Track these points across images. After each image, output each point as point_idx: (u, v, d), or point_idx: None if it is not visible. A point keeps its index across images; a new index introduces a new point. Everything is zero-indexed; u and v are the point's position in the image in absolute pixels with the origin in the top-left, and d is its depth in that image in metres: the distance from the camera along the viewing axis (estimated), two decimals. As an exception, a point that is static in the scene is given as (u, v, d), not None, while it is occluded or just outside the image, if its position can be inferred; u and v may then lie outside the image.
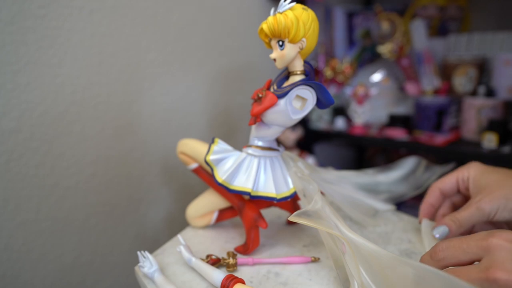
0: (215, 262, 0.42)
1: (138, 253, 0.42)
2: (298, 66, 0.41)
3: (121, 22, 0.62)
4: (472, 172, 0.42)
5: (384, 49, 0.95)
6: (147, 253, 0.42)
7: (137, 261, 0.42)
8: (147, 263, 0.40)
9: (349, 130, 0.97)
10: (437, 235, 0.40)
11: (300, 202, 0.49)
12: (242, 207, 0.45)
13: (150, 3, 0.66)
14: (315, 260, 0.42)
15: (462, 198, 0.46)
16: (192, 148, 0.48)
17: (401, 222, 0.52)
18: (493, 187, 0.38)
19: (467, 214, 0.38)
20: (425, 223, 0.46)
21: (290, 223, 0.52)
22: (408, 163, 0.61)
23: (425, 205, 0.46)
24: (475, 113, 0.82)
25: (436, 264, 0.31)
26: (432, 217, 0.47)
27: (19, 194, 0.53)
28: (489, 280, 0.25)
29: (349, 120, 1.03)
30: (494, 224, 0.41)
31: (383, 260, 0.32)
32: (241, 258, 0.43)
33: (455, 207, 0.46)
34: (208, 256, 0.42)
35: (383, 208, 0.54)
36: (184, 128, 0.77)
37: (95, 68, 0.60)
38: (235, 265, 0.41)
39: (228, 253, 0.43)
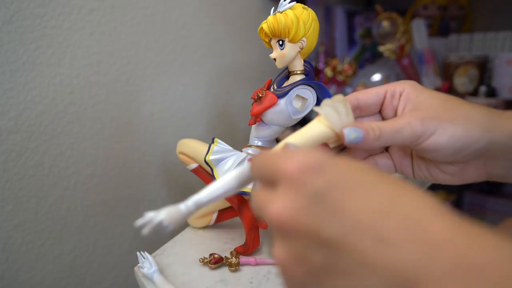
0: (218, 261, 0.42)
1: (138, 253, 0.41)
2: (298, 65, 0.40)
3: (120, 21, 0.62)
4: (407, 88, 0.31)
5: (385, 48, 0.94)
6: (146, 254, 0.41)
7: (137, 262, 0.42)
8: (147, 264, 0.40)
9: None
10: (347, 136, 0.28)
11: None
12: (242, 208, 0.45)
13: (150, 2, 0.66)
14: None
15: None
16: (192, 148, 0.48)
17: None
18: (433, 106, 0.29)
19: (392, 126, 0.28)
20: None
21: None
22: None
23: None
24: (476, 113, 0.82)
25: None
26: None
27: (18, 194, 0.53)
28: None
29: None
30: (425, 161, 0.32)
31: None
32: (244, 258, 0.42)
33: None
34: (211, 254, 0.43)
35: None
36: (184, 128, 0.77)
37: (94, 68, 0.59)
38: (237, 264, 0.41)
39: (231, 253, 0.43)
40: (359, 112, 0.33)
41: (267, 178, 0.22)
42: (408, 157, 0.33)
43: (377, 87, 0.32)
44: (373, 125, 0.28)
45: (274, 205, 0.20)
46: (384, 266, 0.17)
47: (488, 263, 0.15)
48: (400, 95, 0.31)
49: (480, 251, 0.16)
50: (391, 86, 0.32)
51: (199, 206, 0.26)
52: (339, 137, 0.29)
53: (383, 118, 0.33)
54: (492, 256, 0.16)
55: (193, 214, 0.27)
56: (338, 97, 0.28)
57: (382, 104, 0.32)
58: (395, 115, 0.32)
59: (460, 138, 0.27)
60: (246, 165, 0.26)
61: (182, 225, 0.51)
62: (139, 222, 0.24)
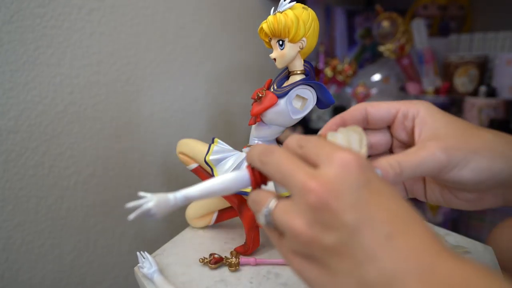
0: (218, 261, 0.42)
1: (138, 253, 0.41)
2: (298, 65, 0.40)
3: (120, 21, 0.62)
4: (422, 111, 0.29)
5: (385, 48, 0.94)
6: (146, 254, 0.41)
7: (137, 262, 0.41)
8: (147, 264, 0.40)
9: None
10: None
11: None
12: (242, 208, 0.44)
13: (150, 2, 0.66)
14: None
15: (387, 139, 0.32)
16: (192, 148, 0.48)
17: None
18: (455, 135, 0.27)
19: (415, 159, 0.26)
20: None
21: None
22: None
23: (337, 120, 0.31)
24: (476, 113, 0.82)
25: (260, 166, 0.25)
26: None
27: (18, 194, 0.53)
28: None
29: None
30: (439, 186, 0.31)
31: None
32: (244, 258, 0.42)
33: (380, 147, 0.33)
34: (211, 254, 0.42)
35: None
36: (184, 128, 0.77)
37: (94, 68, 0.59)
38: (237, 264, 0.41)
39: (231, 253, 0.43)
40: (365, 125, 0.31)
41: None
42: (421, 182, 0.32)
43: (388, 104, 0.31)
44: (392, 161, 0.26)
45: (314, 176, 0.21)
46: (384, 263, 0.19)
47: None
48: (414, 118, 0.30)
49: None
50: (404, 106, 0.30)
51: (188, 200, 0.26)
52: None
53: (392, 136, 0.32)
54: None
55: (180, 206, 0.26)
56: (355, 127, 0.27)
57: (392, 122, 0.31)
58: (409, 138, 0.30)
59: (484, 170, 0.27)
60: (244, 170, 0.26)
61: (182, 225, 0.52)
62: (130, 204, 0.24)
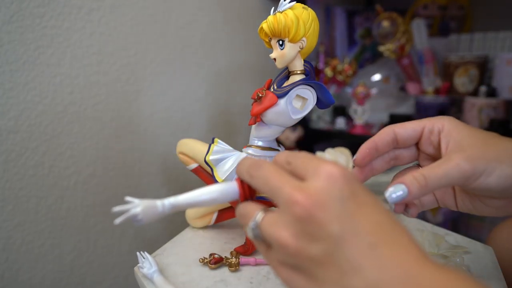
0: (218, 261, 0.42)
1: (138, 253, 0.41)
2: (298, 65, 0.40)
3: (120, 21, 0.62)
4: (447, 125, 0.31)
5: (385, 48, 0.94)
6: (146, 254, 0.41)
7: (137, 262, 0.41)
8: (147, 264, 0.40)
9: (350, 130, 0.97)
10: (390, 198, 0.28)
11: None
12: (242, 208, 0.44)
13: (150, 2, 0.66)
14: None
15: (413, 153, 0.35)
16: (192, 148, 0.48)
17: (403, 223, 0.52)
18: (477, 145, 0.29)
19: (439, 171, 0.28)
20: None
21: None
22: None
23: (369, 144, 0.32)
24: (476, 113, 0.82)
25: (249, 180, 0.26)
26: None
27: (18, 194, 0.53)
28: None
29: (349, 120, 1.02)
30: (469, 195, 0.32)
31: None
32: (244, 258, 0.42)
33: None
34: (211, 254, 0.42)
35: (384, 208, 0.54)
36: (184, 128, 0.77)
37: (94, 68, 0.59)
38: (237, 264, 0.41)
39: (231, 253, 0.43)
40: (396, 145, 0.33)
41: (296, 171, 0.24)
42: (451, 192, 0.34)
43: (414, 122, 0.33)
44: (417, 175, 0.28)
45: (299, 190, 0.22)
46: (368, 273, 0.20)
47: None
48: (439, 132, 0.31)
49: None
50: (429, 123, 0.32)
51: (175, 208, 0.27)
52: None
53: (420, 152, 0.34)
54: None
55: (167, 214, 0.27)
56: (342, 149, 0.28)
57: (419, 138, 0.33)
58: (436, 151, 0.32)
59: (509, 177, 0.28)
60: (233, 183, 0.27)
61: (182, 225, 0.52)
62: (116, 208, 0.25)
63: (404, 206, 0.33)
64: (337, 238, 0.20)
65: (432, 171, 0.28)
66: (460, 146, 0.29)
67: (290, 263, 0.23)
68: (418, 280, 0.19)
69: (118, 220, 0.24)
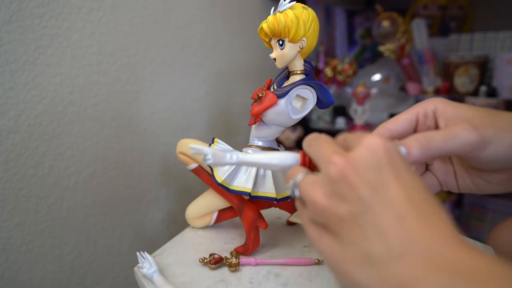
0: (218, 261, 0.42)
1: (138, 253, 0.41)
2: (298, 65, 0.40)
3: (120, 21, 0.62)
4: (439, 105, 0.30)
5: (385, 48, 0.94)
6: (146, 254, 0.41)
7: (137, 262, 0.41)
8: (147, 264, 0.40)
9: (350, 130, 0.97)
10: None
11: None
12: (242, 208, 0.44)
13: (150, 2, 0.66)
14: (319, 262, 0.42)
15: None
16: (192, 148, 0.48)
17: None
18: (482, 115, 0.27)
19: (444, 134, 0.27)
20: None
21: (290, 223, 0.52)
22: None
23: None
24: (476, 113, 0.82)
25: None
26: None
27: (18, 194, 0.53)
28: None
29: (349, 120, 1.02)
30: (469, 174, 0.32)
31: None
32: (244, 258, 0.42)
33: None
34: (211, 255, 0.42)
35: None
36: (184, 128, 0.77)
37: (94, 68, 0.59)
38: (237, 264, 0.41)
39: (231, 253, 0.43)
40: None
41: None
42: (452, 172, 0.33)
43: (405, 113, 0.31)
44: (419, 136, 0.27)
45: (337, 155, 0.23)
46: (392, 240, 0.20)
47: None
48: (434, 113, 0.30)
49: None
50: (420, 108, 0.31)
51: (240, 162, 0.31)
52: None
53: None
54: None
55: (232, 164, 0.31)
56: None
57: (416, 127, 0.31)
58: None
59: None
60: (295, 154, 0.29)
61: (182, 225, 0.52)
62: (193, 145, 0.30)
63: None
64: (366, 203, 0.21)
65: (436, 133, 0.27)
66: (461, 118, 0.28)
67: (319, 222, 0.24)
68: (443, 257, 0.19)
69: (192, 151, 0.30)
